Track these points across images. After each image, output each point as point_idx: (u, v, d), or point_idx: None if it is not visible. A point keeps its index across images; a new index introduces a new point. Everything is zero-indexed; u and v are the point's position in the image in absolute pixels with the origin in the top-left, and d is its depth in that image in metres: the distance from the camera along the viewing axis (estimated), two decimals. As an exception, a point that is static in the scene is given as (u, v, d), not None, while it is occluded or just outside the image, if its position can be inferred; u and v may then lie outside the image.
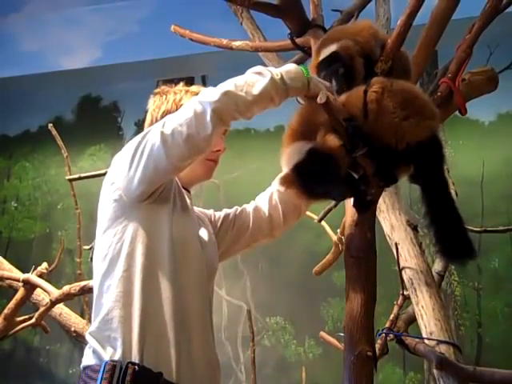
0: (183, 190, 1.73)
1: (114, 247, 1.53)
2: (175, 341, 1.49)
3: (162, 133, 1.47)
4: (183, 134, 1.45)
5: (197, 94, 1.71)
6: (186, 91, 1.76)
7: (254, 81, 1.49)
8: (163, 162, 1.48)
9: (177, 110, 1.68)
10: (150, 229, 1.54)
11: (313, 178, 1.48)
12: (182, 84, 1.81)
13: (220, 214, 1.88)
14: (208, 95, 1.48)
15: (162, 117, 1.72)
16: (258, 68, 1.53)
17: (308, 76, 1.55)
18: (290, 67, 1.55)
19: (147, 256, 1.52)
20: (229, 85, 1.49)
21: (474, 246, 1.64)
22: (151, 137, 1.49)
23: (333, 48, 1.65)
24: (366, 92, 1.54)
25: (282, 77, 1.51)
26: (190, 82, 1.88)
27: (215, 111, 1.45)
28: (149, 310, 1.49)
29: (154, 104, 1.77)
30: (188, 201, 1.72)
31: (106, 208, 1.57)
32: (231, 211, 1.88)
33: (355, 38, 1.67)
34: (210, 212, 1.89)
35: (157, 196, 1.56)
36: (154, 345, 1.47)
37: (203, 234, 1.71)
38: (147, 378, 1.43)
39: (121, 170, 1.54)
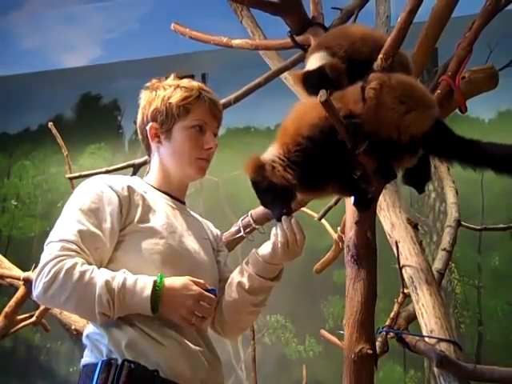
0: (164, 199, 1.70)
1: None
2: (168, 338, 1.50)
3: None
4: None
5: (187, 88, 1.71)
6: (176, 86, 1.72)
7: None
8: None
9: (166, 108, 1.68)
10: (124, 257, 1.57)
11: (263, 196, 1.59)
12: (172, 77, 1.77)
13: (224, 252, 1.85)
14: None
15: (151, 115, 1.71)
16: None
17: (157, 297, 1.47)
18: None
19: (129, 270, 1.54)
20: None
21: None
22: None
23: (317, 62, 1.66)
24: (363, 88, 1.54)
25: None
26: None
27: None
28: None
29: (144, 100, 1.75)
30: (170, 211, 1.68)
31: None
32: (227, 273, 1.78)
33: (339, 41, 1.68)
34: (216, 231, 1.87)
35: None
36: (149, 343, 1.48)
37: (191, 242, 1.68)
38: (143, 376, 1.44)
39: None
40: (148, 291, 1.46)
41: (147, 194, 1.65)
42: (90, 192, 1.58)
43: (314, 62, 1.68)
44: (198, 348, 1.55)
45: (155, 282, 1.47)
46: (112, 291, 1.44)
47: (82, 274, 1.45)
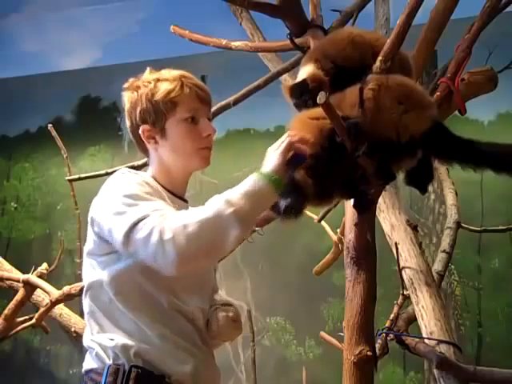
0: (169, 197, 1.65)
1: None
2: (177, 348, 1.48)
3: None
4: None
5: (168, 79, 1.62)
6: (156, 80, 1.62)
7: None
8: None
9: (152, 107, 1.60)
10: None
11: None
12: (148, 71, 1.68)
13: None
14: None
15: (140, 117, 1.61)
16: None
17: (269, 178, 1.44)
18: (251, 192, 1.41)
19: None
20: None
21: None
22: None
23: (303, 75, 1.72)
24: (361, 90, 1.54)
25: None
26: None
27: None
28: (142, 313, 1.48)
29: (128, 102, 1.65)
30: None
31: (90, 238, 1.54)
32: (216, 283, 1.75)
33: (327, 52, 1.73)
34: None
35: None
36: (159, 352, 1.45)
37: None
38: (150, 381, 1.42)
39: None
40: (251, 177, 1.43)
41: (162, 194, 1.60)
42: (132, 182, 1.51)
43: (302, 74, 1.74)
44: (203, 356, 1.53)
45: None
46: (230, 198, 1.38)
47: (190, 212, 1.39)
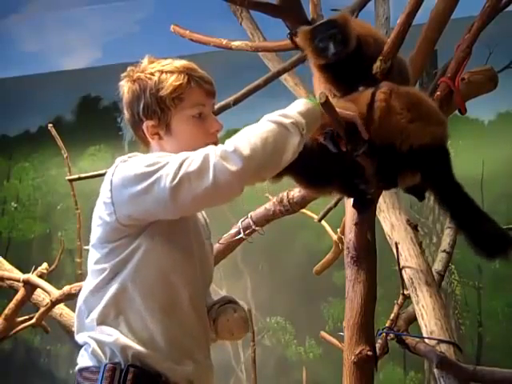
0: None
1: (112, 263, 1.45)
2: (178, 348, 1.46)
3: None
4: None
5: (172, 72, 1.55)
6: (160, 72, 1.54)
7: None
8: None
9: (158, 103, 1.53)
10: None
11: None
12: (147, 61, 1.58)
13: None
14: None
15: (144, 113, 1.54)
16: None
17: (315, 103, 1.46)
18: (304, 109, 1.44)
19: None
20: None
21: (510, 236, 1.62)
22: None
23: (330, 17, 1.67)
24: (373, 93, 1.56)
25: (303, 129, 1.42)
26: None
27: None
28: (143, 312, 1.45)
29: (128, 93, 1.57)
30: None
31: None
32: None
33: (355, 27, 1.67)
34: (207, 219, 1.78)
35: None
36: (154, 352, 1.43)
37: (201, 228, 1.62)
38: (147, 381, 1.41)
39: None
40: (300, 100, 1.46)
41: None
42: (147, 155, 1.48)
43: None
44: (204, 360, 1.51)
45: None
46: (285, 112, 1.41)
47: (244, 129, 1.40)
